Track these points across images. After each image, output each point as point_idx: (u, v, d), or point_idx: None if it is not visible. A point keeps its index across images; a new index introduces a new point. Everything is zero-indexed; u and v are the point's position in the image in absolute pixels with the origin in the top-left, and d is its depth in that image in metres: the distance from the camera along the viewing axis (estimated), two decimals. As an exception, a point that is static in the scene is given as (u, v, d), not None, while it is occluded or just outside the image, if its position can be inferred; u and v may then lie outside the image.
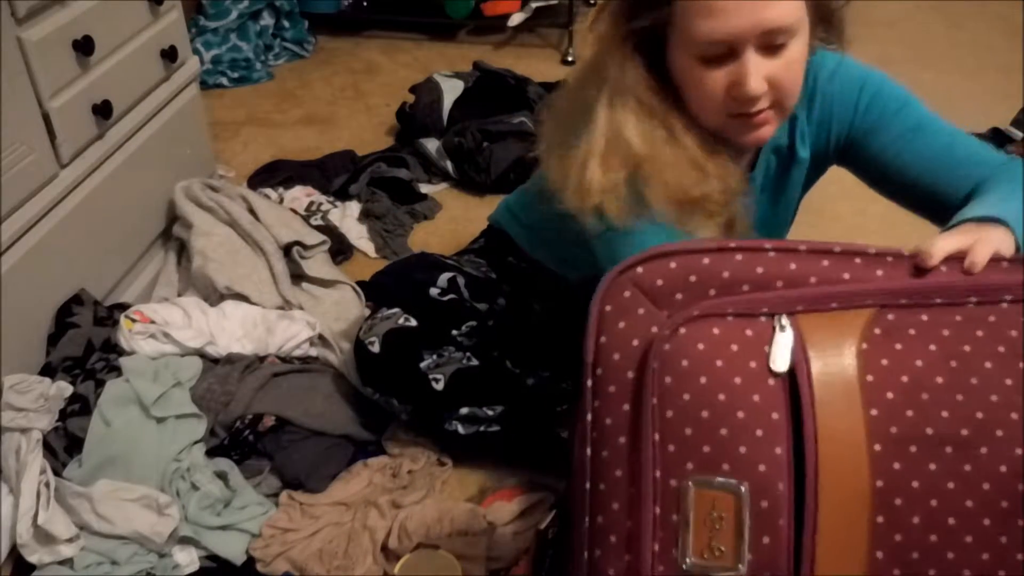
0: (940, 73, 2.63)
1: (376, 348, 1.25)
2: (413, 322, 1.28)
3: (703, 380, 0.65)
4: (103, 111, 1.45)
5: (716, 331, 0.66)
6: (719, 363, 0.65)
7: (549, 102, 1.07)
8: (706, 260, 0.69)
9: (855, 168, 1.09)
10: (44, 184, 1.34)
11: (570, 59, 2.76)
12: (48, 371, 1.32)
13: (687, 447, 0.64)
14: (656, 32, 0.93)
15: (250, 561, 1.17)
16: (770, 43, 0.89)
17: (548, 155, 1.03)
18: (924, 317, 0.67)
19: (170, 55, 1.67)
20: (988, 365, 0.65)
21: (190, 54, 1.80)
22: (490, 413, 1.24)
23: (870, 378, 0.64)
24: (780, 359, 0.65)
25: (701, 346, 0.66)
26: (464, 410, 1.24)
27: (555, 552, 1.09)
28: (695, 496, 0.64)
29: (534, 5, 2.82)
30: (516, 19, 2.80)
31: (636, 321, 0.69)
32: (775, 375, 0.65)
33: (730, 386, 0.65)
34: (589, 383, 0.69)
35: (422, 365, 1.24)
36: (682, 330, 0.66)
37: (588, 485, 0.68)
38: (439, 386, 1.23)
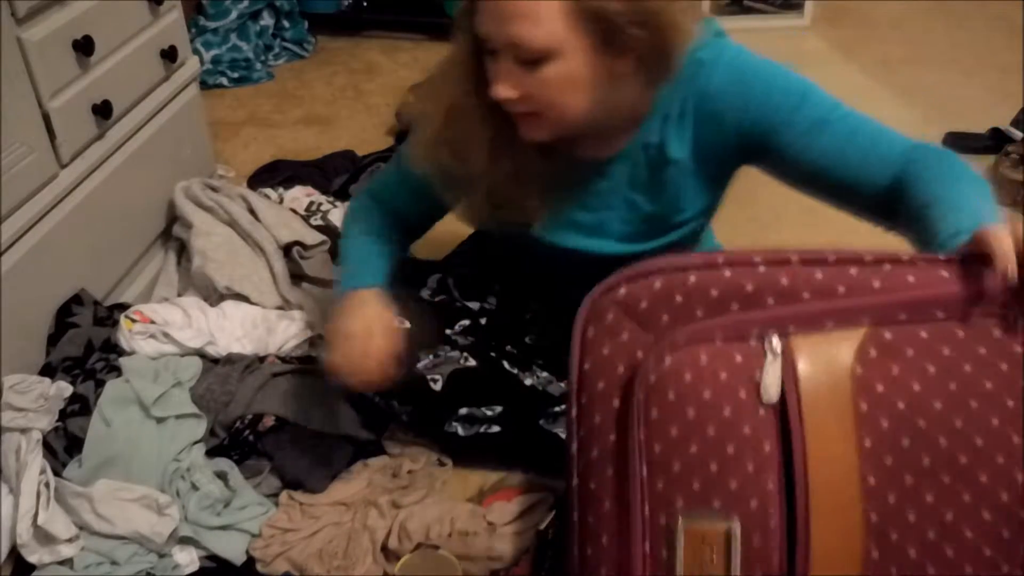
0: (940, 73, 2.63)
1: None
2: (407, 324, 1.28)
3: (691, 413, 0.63)
4: (103, 111, 1.45)
5: (704, 358, 0.63)
6: (707, 395, 0.63)
7: None
8: (693, 278, 0.66)
9: (763, 167, 1.06)
10: (44, 184, 1.34)
11: (570, 59, 2.76)
12: (48, 371, 1.32)
13: (676, 483, 0.63)
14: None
15: (250, 561, 1.17)
16: (522, 57, 0.93)
17: None
18: (923, 334, 0.63)
19: (170, 55, 1.67)
20: (989, 385, 0.62)
21: (190, 54, 1.80)
22: (489, 413, 1.24)
23: (864, 406, 0.62)
24: (771, 389, 0.63)
25: (688, 376, 0.63)
26: (463, 410, 1.24)
27: (555, 552, 1.09)
28: (685, 532, 0.62)
29: (534, 5, 2.82)
30: (516, 19, 2.80)
31: (621, 346, 0.66)
32: (766, 405, 0.63)
33: (720, 418, 0.62)
34: (574, 412, 0.68)
35: (419, 366, 1.24)
36: (668, 359, 0.64)
37: (576, 516, 0.67)
38: (437, 386, 1.23)
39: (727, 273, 0.66)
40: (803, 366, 0.63)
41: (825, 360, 0.63)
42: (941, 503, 0.61)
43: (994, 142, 2.16)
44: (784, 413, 0.62)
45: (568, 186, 1.14)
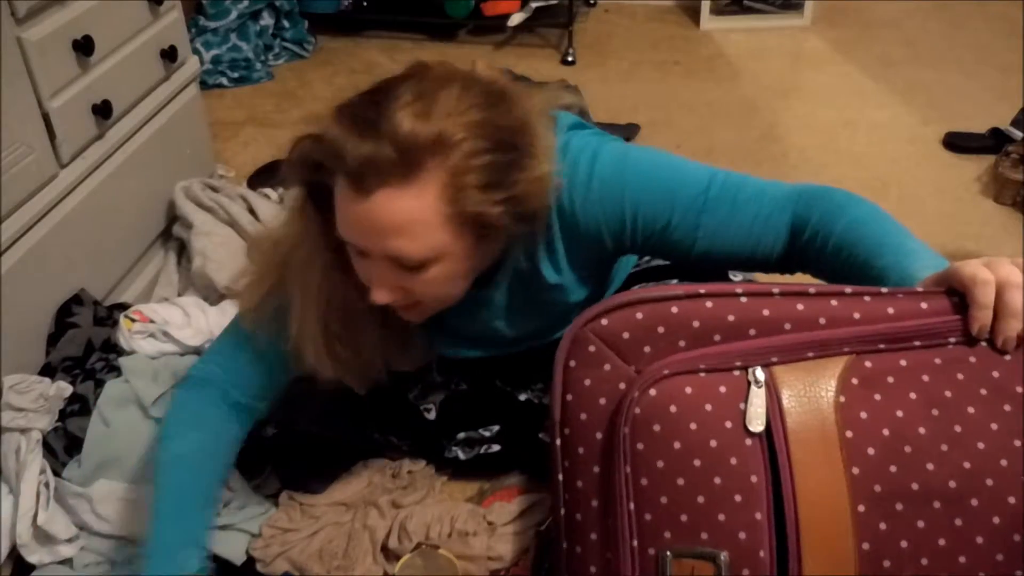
0: (940, 73, 2.63)
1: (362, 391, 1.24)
2: None
3: (677, 445, 0.63)
4: (103, 111, 1.45)
5: (688, 390, 0.64)
6: (693, 426, 0.63)
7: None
8: (675, 309, 0.66)
9: (655, 256, 1.02)
10: (44, 184, 1.34)
11: (570, 59, 2.76)
12: (48, 371, 1.32)
13: (664, 516, 0.63)
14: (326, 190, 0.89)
15: (250, 561, 1.17)
16: (402, 264, 0.87)
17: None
18: (903, 362, 0.64)
19: (170, 55, 1.67)
20: (971, 410, 0.62)
21: (190, 54, 1.80)
22: (487, 434, 1.23)
23: (850, 434, 0.62)
24: (756, 418, 0.63)
25: (674, 408, 0.63)
26: (461, 435, 1.23)
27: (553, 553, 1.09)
28: (673, 565, 0.62)
29: (534, 5, 2.82)
30: (516, 19, 2.80)
31: (602, 377, 0.66)
32: (752, 434, 0.62)
33: (706, 450, 0.62)
34: (558, 442, 0.68)
35: (410, 396, 1.23)
36: (652, 391, 0.64)
37: (565, 545, 0.68)
38: (431, 415, 1.22)
39: (709, 304, 0.66)
40: (787, 396, 0.63)
41: (809, 389, 0.63)
42: (933, 529, 0.60)
43: (994, 142, 2.16)
44: (771, 443, 0.62)
45: (451, 320, 1.09)
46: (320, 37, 2.95)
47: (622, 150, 0.95)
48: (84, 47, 1.39)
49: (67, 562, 1.14)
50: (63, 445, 1.24)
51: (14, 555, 1.13)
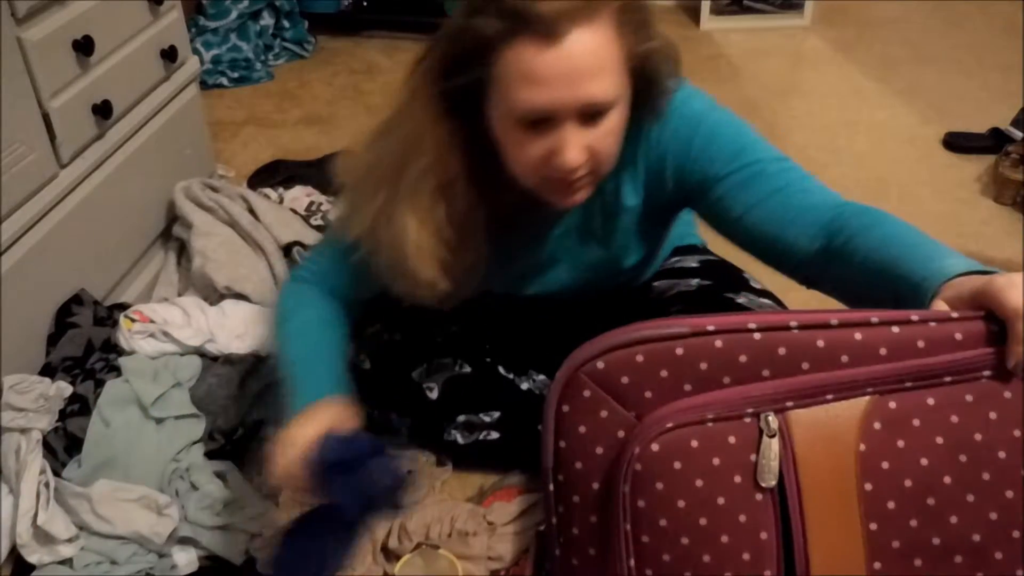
0: (940, 72, 2.63)
1: (367, 365, 1.25)
2: (398, 335, 1.28)
3: (682, 504, 0.59)
4: (103, 111, 1.45)
5: (695, 444, 0.59)
6: (699, 483, 0.58)
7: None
8: (680, 350, 0.61)
9: (700, 216, 1.05)
10: (44, 184, 1.34)
11: (570, 59, 2.76)
12: (48, 371, 1.32)
13: (667, 574, 0.59)
14: (471, 90, 0.92)
15: (250, 561, 1.17)
16: (588, 113, 0.90)
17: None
18: (931, 400, 0.59)
19: (170, 55, 1.67)
20: (1002, 455, 0.58)
21: (190, 54, 1.81)
22: (487, 419, 1.24)
23: (869, 487, 0.58)
24: (768, 472, 0.58)
25: (678, 464, 0.59)
26: (461, 418, 1.24)
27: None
28: None
29: (534, 5, 2.82)
30: (516, 19, 2.80)
31: (599, 425, 0.62)
32: (763, 489, 0.58)
33: (713, 508, 0.58)
34: (551, 487, 0.64)
35: (414, 374, 1.24)
36: (654, 446, 0.59)
37: None
38: (433, 395, 1.23)
39: (719, 343, 0.61)
40: (802, 446, 0.58)
41: (826, 438, 0.59)
42: None
43: (994, 142, 2.16)
44: (783, 496, 0.59)
45: (525, 238, 1.10)
46: (320, 37, 2.95)
47: (709, 102, 1.02)
48: (84, 47, 1.39)
49: (67, 562, 1.14)
50: (63, 445, 1.24)
51: (14, 555, 1.13)
